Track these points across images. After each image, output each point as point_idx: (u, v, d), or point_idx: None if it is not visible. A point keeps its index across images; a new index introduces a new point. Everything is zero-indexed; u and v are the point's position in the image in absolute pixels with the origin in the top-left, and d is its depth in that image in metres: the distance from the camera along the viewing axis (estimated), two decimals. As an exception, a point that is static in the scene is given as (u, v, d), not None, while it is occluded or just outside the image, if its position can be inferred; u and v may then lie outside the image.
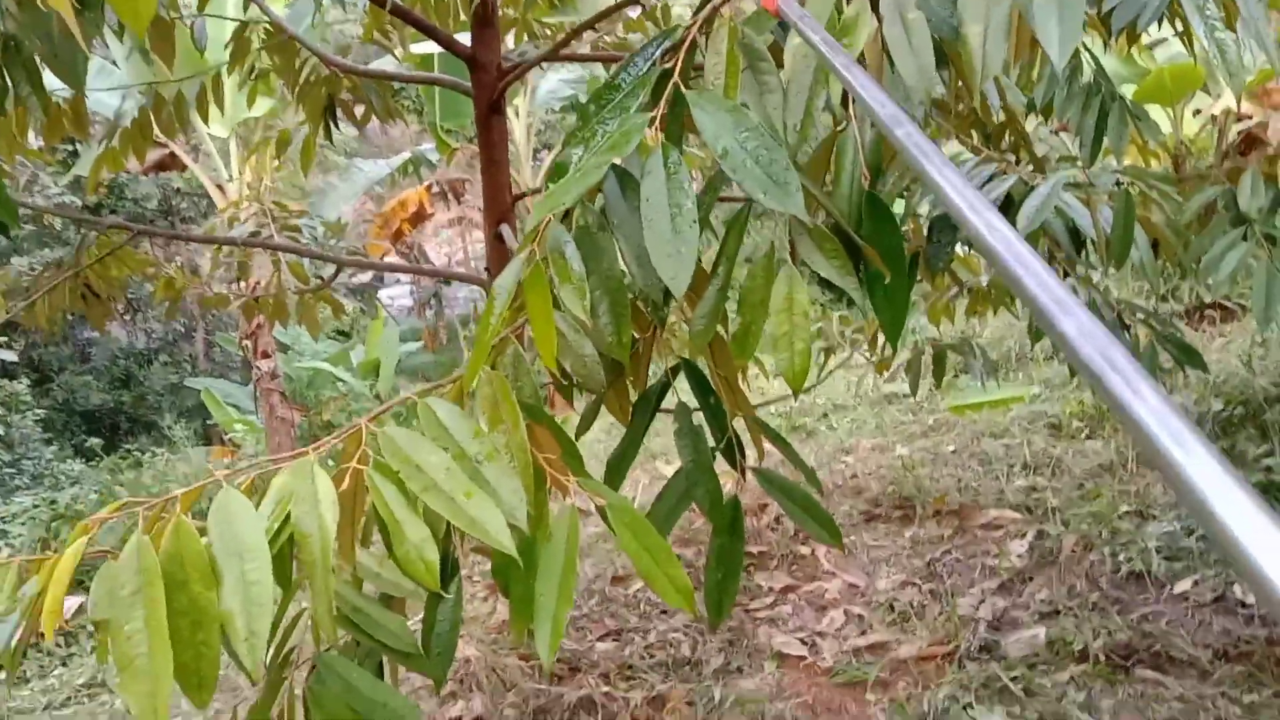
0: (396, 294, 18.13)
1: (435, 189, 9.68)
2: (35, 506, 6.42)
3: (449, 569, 1.30)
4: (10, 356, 9.87)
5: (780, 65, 1.09)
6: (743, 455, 1.34)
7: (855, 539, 3.57)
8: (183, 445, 9.68)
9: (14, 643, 0.79)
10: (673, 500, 1.29)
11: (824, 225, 1.06)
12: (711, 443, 1.31)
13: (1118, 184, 1.92)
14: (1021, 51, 0.97)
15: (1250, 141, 4.48)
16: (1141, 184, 2.03)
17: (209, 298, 3.46)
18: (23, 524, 6.31)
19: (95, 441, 10.51)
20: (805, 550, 3.57)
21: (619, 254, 1.07)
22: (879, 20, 0.89)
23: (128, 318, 14.37)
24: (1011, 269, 0.55)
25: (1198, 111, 4.66)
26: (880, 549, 3.48)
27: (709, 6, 1.10)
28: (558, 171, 1.10)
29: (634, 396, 1.35)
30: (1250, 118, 4.66)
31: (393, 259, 10.81)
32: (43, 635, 0.83)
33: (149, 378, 13.74)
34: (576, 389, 1.30)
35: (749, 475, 1.31)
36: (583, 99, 10.81)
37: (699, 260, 1.11)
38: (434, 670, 1.31)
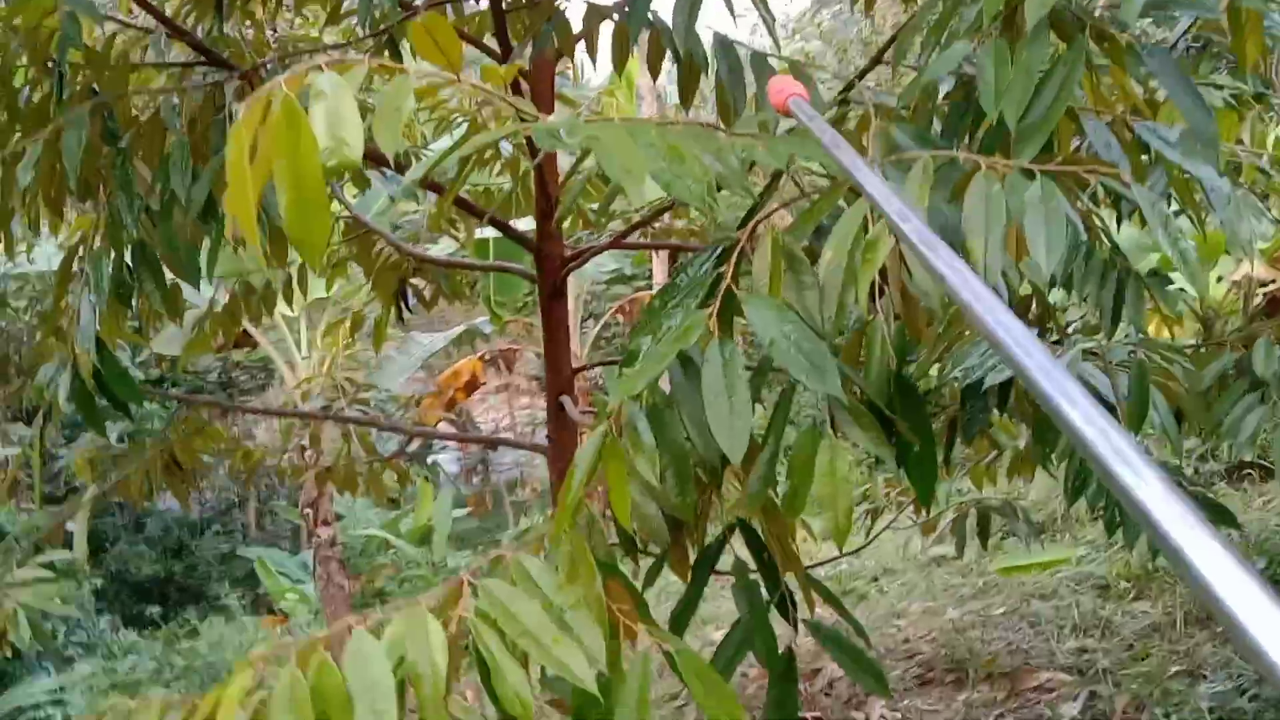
0: (443, 460, 18.35)
1: (487, 359, 10.03)
2: (93, 675, 6.52)
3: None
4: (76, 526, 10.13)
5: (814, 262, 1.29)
6: (795, 609, 1.48)
7: (909, 703, 3.59)
8: (235, 614, 9.77)
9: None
10: (731, 650, 1.42)
11: (859, 402, 1.23)
12: (766, 597, 1.45)
13: (1131, 353, 2.08)
14: (1022, 253, 1.15)
15: (1275, 305, 4.64)
16: (1155, 354, 2.18)
17: (284, 467, 3.67)
18: (81, 693, 6.40)
19: (154, 609, 10.62)
20: (859, 716, 3.59)
21: (682, 428, 1.25)
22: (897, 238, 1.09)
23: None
24: (1010, 349, 0.60)
25: (1220, 278, 4.85)
26: (934, 713, 3.50)
27: (753, 221, 1.31)
28: (628, 359, 1.29)
29: (693, 555, 1.51)
30: (1273, 281, 4.83)
31: (444, 427, 11.10)
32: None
33: (200, 547, 13.91)
34: (641, 550, 1.46)
35: (801, 627, 1.44)
36: (627, 271, 11.27)
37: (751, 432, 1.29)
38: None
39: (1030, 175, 1.10)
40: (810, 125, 1.02)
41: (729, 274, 1.27)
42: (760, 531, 1.45)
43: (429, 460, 15.82)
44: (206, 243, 2.26)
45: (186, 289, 4.18)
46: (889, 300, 1.21)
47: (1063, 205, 1.04)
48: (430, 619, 1.10)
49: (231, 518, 15.18)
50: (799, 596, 1.54)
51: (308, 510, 5.90)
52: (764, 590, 1.45)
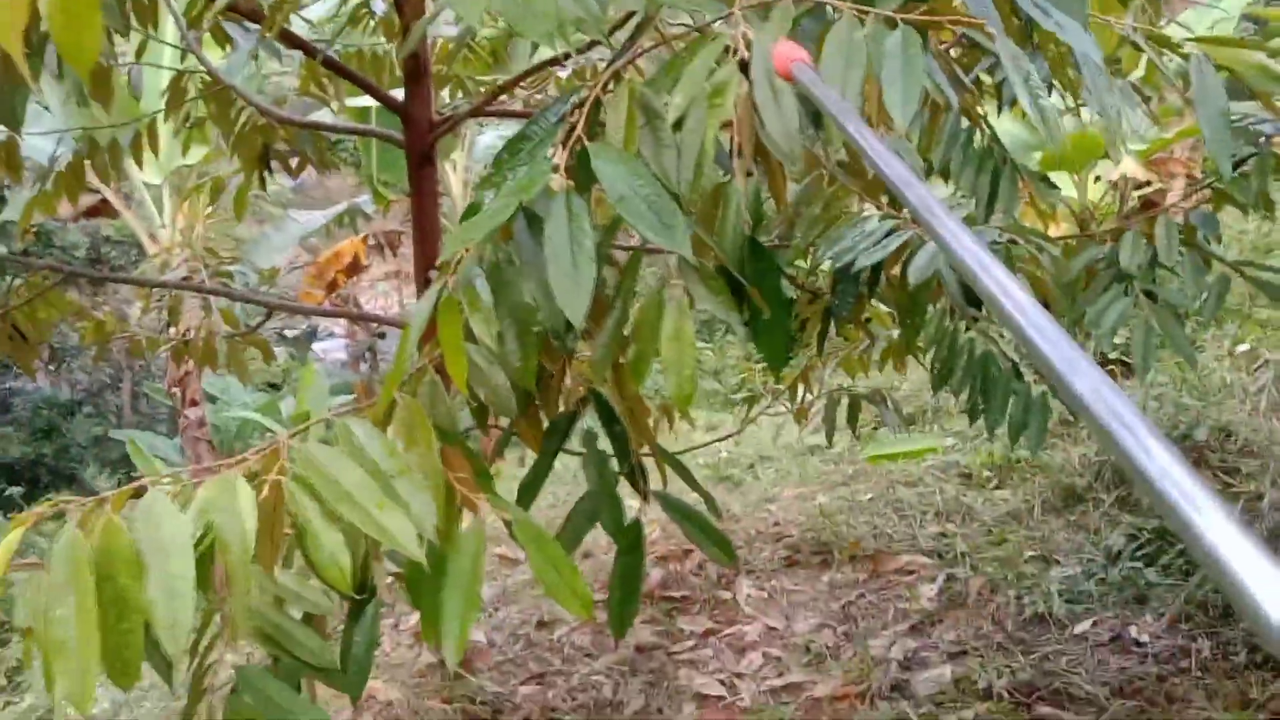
0: (330, 348, 17.96)
1: (371, 242, 9.72)
2: (-52, 557, 6.26)
3: (367, 591, 1.38)
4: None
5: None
6: (646, 481, 1.44)
7: (775, 583, 3.67)
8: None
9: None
10: (579, 521, 1.38)
11: (712, 267, 1.17)
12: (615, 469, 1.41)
13: (995, 241, 2.07)
14: (883, 117, 1.09)
15: (1149, 206, 4.76)
16: (1023, 241, 2.18)
17: (138, 341, 3.48)
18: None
19: (15, 490, 10.24)
20: (727, 595, 3.66)
21: (526, 288, 1.17)
22: (750, 84, 1.01)
23: (52, 368, 14.06)
24: (1025, 330, 0.55)
25: (1098, 178, 4.94)
26: (799, 593, 3.58)
27: (610, 69, 1.22)
28: (469, 213, 1.21)
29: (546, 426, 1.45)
30: (1149, 183, 4.95)
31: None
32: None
33: (72, 429, 13.41)
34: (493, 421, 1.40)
35: (651, 499, 1.41)
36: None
37: (600, 295, 1.22)
38: (350, 687, 1.38)
39: (892, 24, 1.03)
40: (814, 91, 0.93)
41: (581, 125, 1.18)
42: (610, 402, 1.40)
43: (313, 348, 15.46)
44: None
45: (35, 151, 3.89)
46: (742, 160, 1.14)
47: (922, 56, 0.98)
48: (240, 481, 1.02)
49: (105, 400, 14.64)
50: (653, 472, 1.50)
51: (174, 390, 5.68)
52: (614, 462, 1.41)
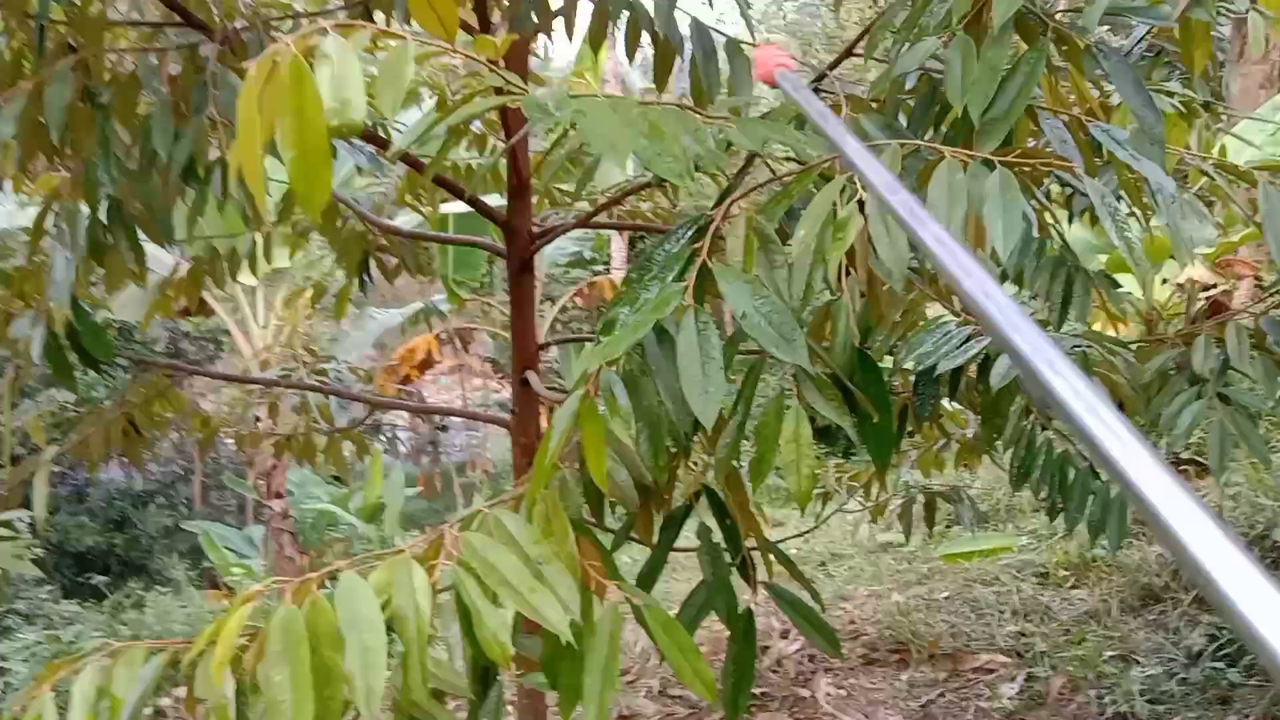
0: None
1: (443, 338, 10.02)
2: (37, 643, 6.45)
3: (490, 678, 1.50)
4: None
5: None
6: (755, 573, 1.55)
7: (854, 681, 3.69)
8: (182, 586, 9.69)
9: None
10: (695, 609, 1.49)
11: (823, 374, 1.30)
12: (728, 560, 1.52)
13: (1075, 347, 2.17)
14: (981, 242, 1.22)
15: (1216, 308, 4.80)
16: (1099, 347, 2.28)
17: (242, 435, 3.67)
18: (23, 660, 6.33)
19: (100, 579, 10.48)
20: (805, 693, 3.69)
21: (656, 395, 1.31)
22: (865, 218, 1.16)
23: (125, 459, 14.46)
24: (1002, 330, 0.59)
25: (1165, 280, 5.00)
26: (877, 691, 3.61)
27: (729, 201, 1.37)
28: (605, 328, 1.35)
29: (659, 522, 1.57)
30: (1215, 286, 5.00)
31: (397, 405, 11.06)
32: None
33: (144, 520, 13.72)
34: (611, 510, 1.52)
35: (760, 589, 1.51)
36: (586, 255, 11.32)
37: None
38: (477, 762, 1.48)
39: (991, 166, 1.17)
40: (796, 96, 1.04)
41: (704, 249, 1.33)
42: (724, 499, 1.52)
43: (386, 434, 15.73)
44: (179, 206, 2.27)
45: (148, 256, 4.16)
46: (854, 280, 1.28)
47: (1018, 195, 1.11)
48: (414, 564, 1.15)
49: (176, 491, 14.98)
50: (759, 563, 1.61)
51: (260, 481, 5.89)
52: (726, 554, 1.52)
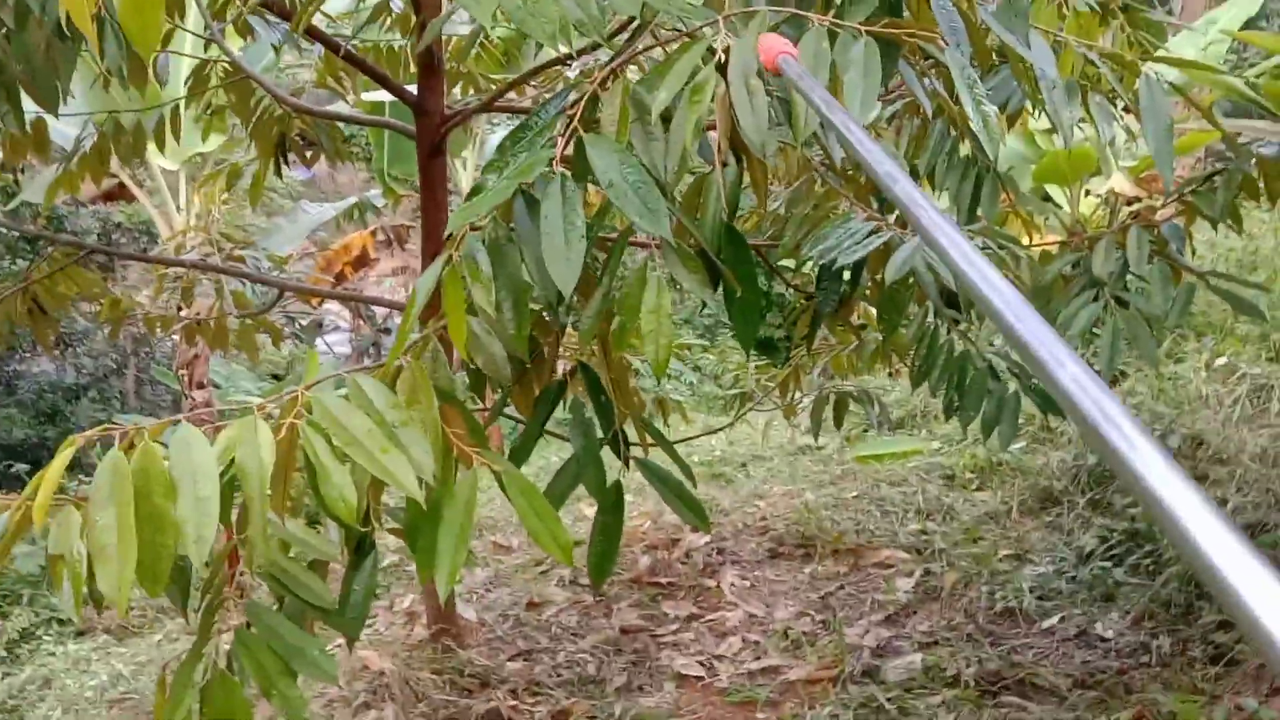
0: (335, 340, 18.04)
1: (380, 236, 9.87)
2: (-45, 529, 6.38)
3: (365, 545, 1.50)
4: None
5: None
6: (628, 448, 1.56)
7: (759, 573, 3.79)
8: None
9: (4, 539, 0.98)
10: (566, 480, 1.51)
11: (692, 249, 1.30)
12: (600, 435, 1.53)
13: (977, 244, 2.19)
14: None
15: (1137, 220, 4.88)
16: (1000, 246, 2.31)
17: (152, 318, 3.61)
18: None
19: (23, 468, 10.35)
20: (711, 583, 3.78)
21: (522, 263, 1.30)
22: (726, 84, 1.14)
23: (57, 352, 14.18)
24: (1006, 319, 0.57)
25: (1088, 192, 5.07)
26: (780, 583, 3.71)
27: (607, 68, 1.34)
28: (475, 192, 1.33)
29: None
30: (1139, 199, 5.07)
31: (331, 304, 10.93)
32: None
33: (76, 413, 13.53)
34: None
35: (631, 464, 1.53)
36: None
37: (590, 273, 1.35)
38: (349, 627, 1.50)
39: (860, 36, 1.16)
40: (800, 84, 0.99)
41: (577, 116, 1.31)
42: (597, 375, 1.52)
43: (318, 339, 15.56)
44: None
45: (57, 135, 4.02)
46: (721, 153, 1.27)
47: (879, 65, 1.10)
48: (260, 422, 1.14)
49: (109, 385, 14.75)
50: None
51: (182, 372, 5.81)
52: (599, 428, 1.53)
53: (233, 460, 1.13)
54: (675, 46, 1.41)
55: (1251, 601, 0.39)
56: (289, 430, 1.18)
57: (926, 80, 1.56)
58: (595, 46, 2.11)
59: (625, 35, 1.75)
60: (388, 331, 16.26)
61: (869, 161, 0.81)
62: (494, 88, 3.86)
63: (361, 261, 9.74)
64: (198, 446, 1.04)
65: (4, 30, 1.97)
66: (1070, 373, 0.51)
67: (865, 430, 4.84)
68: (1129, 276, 2.66)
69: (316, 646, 1.41)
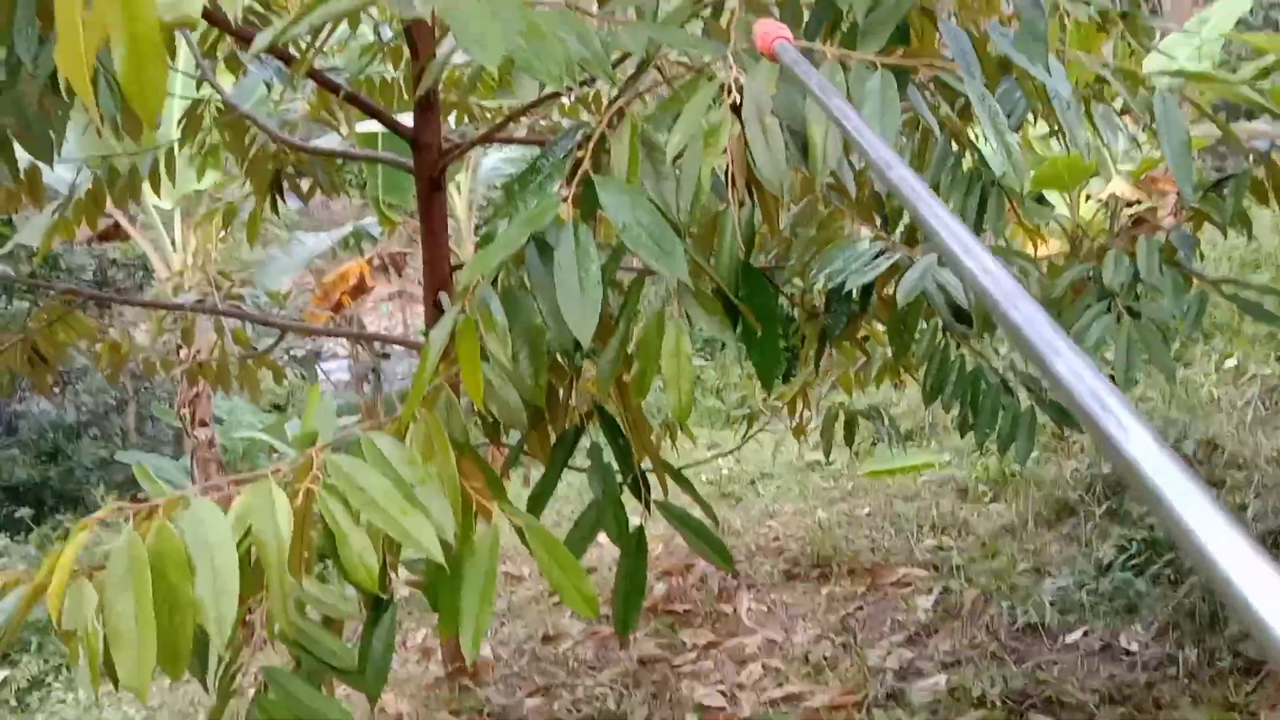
0: (334, 368, 18.03)
1: (376, 263, 9.83)
2: (-41, 576, 6.32)
3: (385, 602, 1.47)
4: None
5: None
6: (648, 492, 1.53)
7: (775, 596, 3.75)
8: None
9: (12, 621, 0.94)
10: (585, 528, 1.47)
11: (709, 289, 1.27)
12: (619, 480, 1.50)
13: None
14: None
15: (1139, 224, 4.85)
16: (1013, 261, 2.28)
17: (152, 362, 3.57)
18: (-55, 594, 6.21)
19: (25, 511, 10.31)
20: (728, 609, 3.74)
21: (537, 311, 1.27)
22: (741, 124, 1.11)
23: (57, 391, 14.14)
24: (1004, 309, 0.56)
25: (1088, 197, 5.05)
26: (798, 606, 3.66)
27: (614, 106, 1.32)
28: (484, 241, 1.30)
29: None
30: (1139, 202, 5.05)
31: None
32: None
33: (78, 452, 13.47)
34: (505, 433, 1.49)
35: (652, 508, 1.50)
36: (522, 178, 11.10)
37: (606, 316, 1.31)
38: (369, 686, 1.46)
39: (875, 68, 1.13)
40: (796, 69, 0.97)
41: (586, 159, 1.28)
42: (615, 418, 1.49)
43: (317, 367, 15.53)
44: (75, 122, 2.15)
45: (51, 177, 4.00)
46: (738, 191, 1.24)
47: (897, 97, 1.08)
48: (275, 488, 1.11)
49: (110, 422, 14.69)
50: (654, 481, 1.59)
51: (184, 410, 5.77)
52: (618, 473, 1.50)
53: (249, 529, 1.09)
54: (681, 82, 1.39)
55: (1252, 600, 0.39)
56: (305, 496, 1.14)
57: (926, 93, 1.54)
58: (594, 79, 2.09)
59: (627, 64, 1.72)
60: (386, 356, 16.25)
61: (865, 148, 0.80)
62: (488, 115, 3.84)
63: (359, 289, 9.69)
64: (212, 520, 1.00)
65: (-4, 84, 1.95)
66: (1067, 362, 0.50)
67: (874, 445, 4.80)
68: (1138, 284, 2.63)
69: (335, 709, 1.37)
